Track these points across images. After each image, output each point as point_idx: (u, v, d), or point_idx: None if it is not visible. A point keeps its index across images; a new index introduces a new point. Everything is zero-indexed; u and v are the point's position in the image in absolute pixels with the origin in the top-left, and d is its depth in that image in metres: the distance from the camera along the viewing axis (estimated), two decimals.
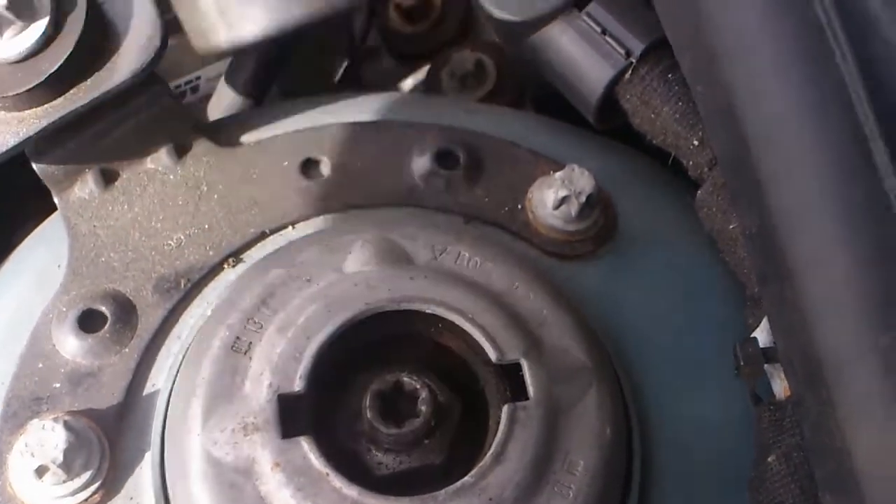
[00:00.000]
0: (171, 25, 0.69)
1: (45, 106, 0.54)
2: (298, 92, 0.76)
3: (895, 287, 0.42)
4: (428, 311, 0.51)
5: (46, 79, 0.54)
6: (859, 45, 0.46)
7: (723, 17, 0.47)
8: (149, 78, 0.56)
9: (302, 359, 0.49)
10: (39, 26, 0.52)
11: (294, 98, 0.75)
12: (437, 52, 0.81)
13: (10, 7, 0.51)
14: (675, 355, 0.57)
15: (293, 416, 0.49)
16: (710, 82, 0.49)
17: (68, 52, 0.53)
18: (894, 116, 0.47)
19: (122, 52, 0.54)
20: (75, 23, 0.52)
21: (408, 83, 0.83)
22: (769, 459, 0.50)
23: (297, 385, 0.49)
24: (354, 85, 0.82)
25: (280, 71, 0.71)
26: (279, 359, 0.50)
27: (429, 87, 0.78)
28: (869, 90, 0.44)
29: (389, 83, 0.83)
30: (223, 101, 0.70)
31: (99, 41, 0.54)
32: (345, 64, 0.80)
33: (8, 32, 0.52)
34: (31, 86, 0.54)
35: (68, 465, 0.49)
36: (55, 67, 0.54)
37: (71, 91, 0.55)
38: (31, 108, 0.55)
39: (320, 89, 0.80)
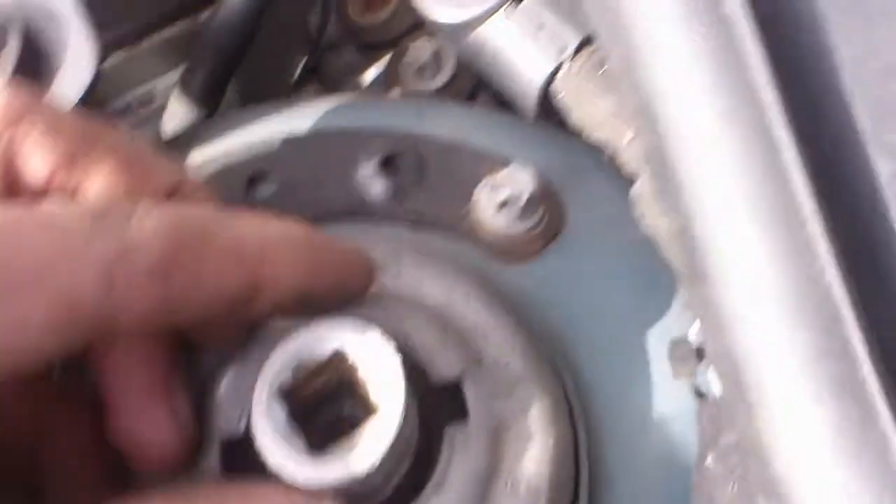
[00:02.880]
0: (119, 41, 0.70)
1: None
2: (255, 93, 0.77)
3: (810, 287, 0.42)
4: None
5: None
6: (774, 48, 0.47)
7: (638, 20, 0.47)
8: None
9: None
10: None
11: (246, 106, 0.76)
12: (397, 42, 0.81)
13: None
14: (622, 350, 0.57)
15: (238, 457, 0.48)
16: (632, 82, 0.49)
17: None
18: (806, 116, 0.47)
19: (59, 84, 0.55)
20: (6, 58, 0.53)
21: (370, 75, 0.83)
22: (707, 460, 0.51)
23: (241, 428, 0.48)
24: (315, 80, 0.83)
25: (231, 79, 0.71)
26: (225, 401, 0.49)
27: (388, 78, 0.78)
28: (781, 91, 0.44)
29: (351, 76, 0.83)
30: (176, 111, 0.70)
31: (34, 75, 0.55)
32: (302, 61, 0.81)
33: None
34: None
35: None
36: None
37: None
38: None
39: (278, 89, 0.80)
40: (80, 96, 0.55)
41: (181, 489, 0.44)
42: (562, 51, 0.56)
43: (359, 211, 0.61)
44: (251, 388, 0.45)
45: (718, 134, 0.44)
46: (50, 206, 0.38)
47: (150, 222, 0.38)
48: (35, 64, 0.56)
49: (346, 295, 0.47)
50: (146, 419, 0.44)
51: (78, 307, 0.36)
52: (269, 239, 0.42)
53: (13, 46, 0.54)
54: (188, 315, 0.41)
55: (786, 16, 0.49)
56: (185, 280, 0.39)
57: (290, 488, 0.42)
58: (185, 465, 0.47)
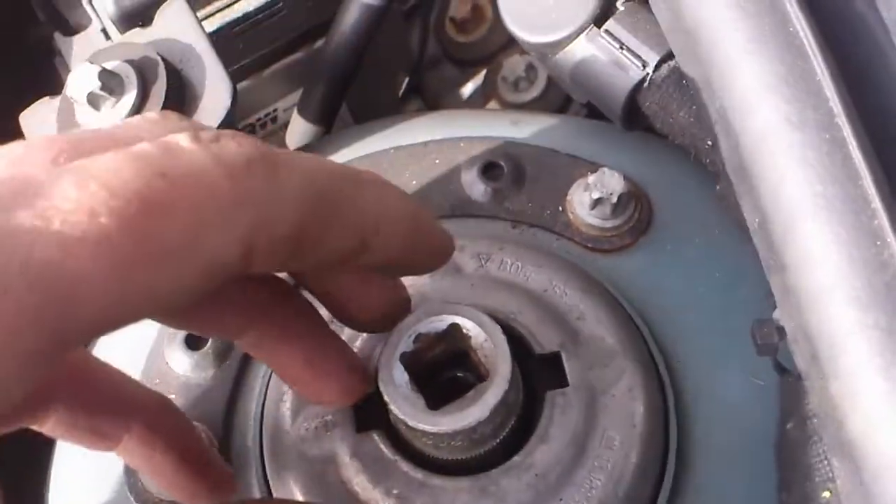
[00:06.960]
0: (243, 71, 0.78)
1: None
2: (366, 110, 0.84)
3: (879, 272, 0.47)
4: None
5: None
6: (841, 61, 0.51)
7: (712, 40, 0.52)
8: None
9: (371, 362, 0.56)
10: (129, 98, 0.62)
11: (357, 124, 0.83)
12: (492, 58, 0.87)
13: (103, 87, 0.61)
14: (709, 335, 0.63)
15: (366, 412, 0.56)
16: (709, 94, 0.54)
17: None
18: (874, 122, 0.51)
19: (201, 112, 0.63)
20: (158, 92, 0.62)
21: (467, 89, 0.90)
22: (788, 426, 0.55)
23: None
24: (417, 96, 0.90)
25: (344, 99, 0.79)
26: None
27: (485, 92, 0.85)
28: (845, 102, 0.49)
29: (451, 90, 0.90)
30: (297, 130, 0.78)
31: (180, 105, 0.63)
32: (406, 80, 0.88)
33: (105, 106, 0.62)
34: None
35: None
36: None
37: None
38: None
39: (386, 105, 0.87)
40: (220, 122, 0.63)
41: None
42: (644, 66, 0.61)
43: (463, 210, 0.67)
44: (380, 353, 0.52)
45: (791, 140, 0.49)
46: (193, 154, 0.37)
47: (289, 190, 0.40)
48: (181, 94, 0.64)
49: (424, 270, 0.51)
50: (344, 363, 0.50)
51: (222, 271, 0.39)
52: (385, 212, 0.45)
53: (162, 80, 0.62)
54: (302, 267, 0.45)
55: (852, 30, 0.53)
56: (310, 245, 0.42)
57: None
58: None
